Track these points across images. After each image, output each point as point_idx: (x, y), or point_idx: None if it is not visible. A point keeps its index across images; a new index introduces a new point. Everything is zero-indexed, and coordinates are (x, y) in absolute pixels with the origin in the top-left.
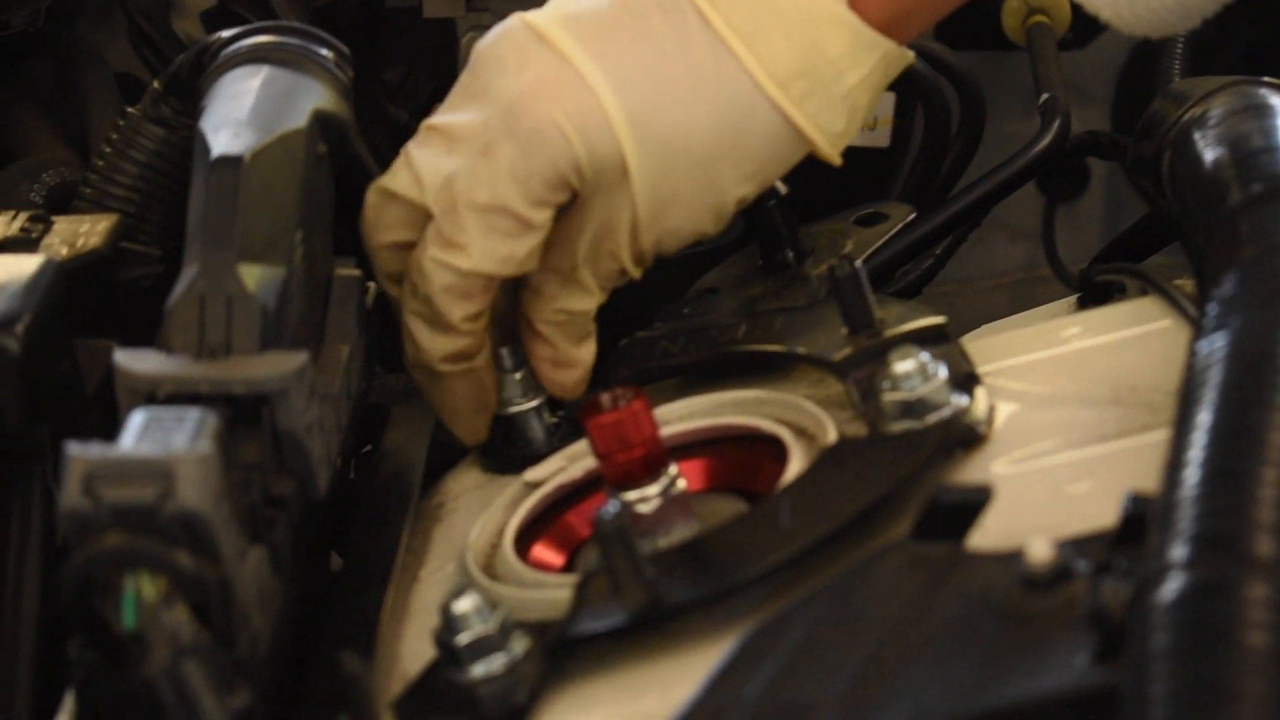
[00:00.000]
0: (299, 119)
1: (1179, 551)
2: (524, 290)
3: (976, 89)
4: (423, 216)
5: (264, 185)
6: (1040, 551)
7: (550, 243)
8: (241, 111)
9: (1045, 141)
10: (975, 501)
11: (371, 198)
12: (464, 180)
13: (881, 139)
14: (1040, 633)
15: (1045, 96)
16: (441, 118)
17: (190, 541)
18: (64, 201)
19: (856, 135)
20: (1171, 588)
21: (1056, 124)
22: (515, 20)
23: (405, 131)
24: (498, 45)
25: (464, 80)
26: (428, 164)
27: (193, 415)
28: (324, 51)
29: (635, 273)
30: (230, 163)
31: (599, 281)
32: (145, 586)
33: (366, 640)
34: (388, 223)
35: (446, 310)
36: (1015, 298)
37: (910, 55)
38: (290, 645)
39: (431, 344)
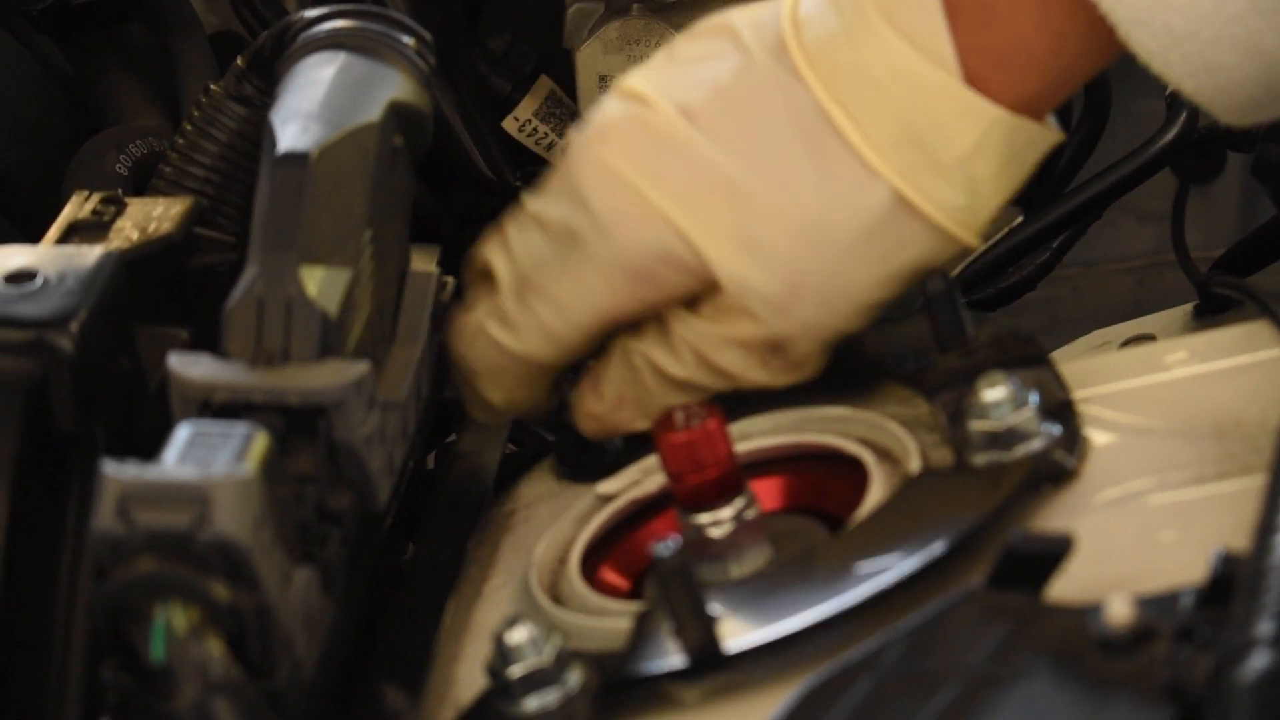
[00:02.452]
0: (373, 111)
1: (1265, 626)
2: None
3: (1101, 76)
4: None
5: (331, 183)
6: (1120, 611)
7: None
8: (312, 103)
9: (1170, 135)
10: (1054, 552)
11: (469, 271)
12: (549, 268)
13: None
14: (1116, 699)
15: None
16: (537, 203)
17: (227, 569)
18: (150, 173)
19: (991, 214)
20: (1255, 666)
21: (1184, 116)
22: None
23: (509, 103)
24: (593, 131)
25: (563, 165)
26: (520, 244)
27: (239, 432)
28: (405, 38)
29: (749, 374)
30: (296, 160)
31: (697, 367)
32: (176, 617)
33: (421, 663)
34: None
35: (485, 390)
36: (1142, 283)
37: (1055, 135)
38: (342, 665)
39: (468, 398)
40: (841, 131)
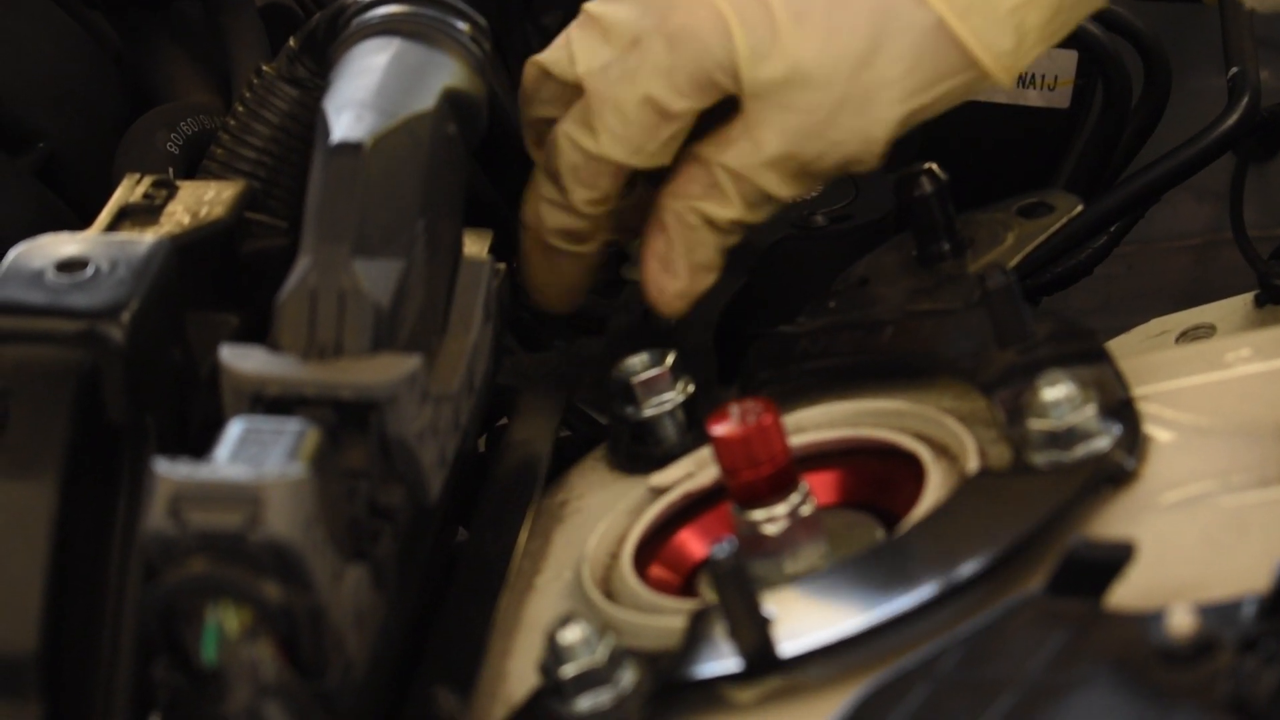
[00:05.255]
0: (427, 100)
1: None
2: (665, 180)
3: (1162, 57)
4: (573, 95)
5: (385, 173)
6: (1182, 621)
7: (703, 139)
8: (366, 91)
9: (1231, 121)
10: (1116, 559)
11: (529, 71)
12: (613, 69)
13: (1062, 99)
14: (1177, 711)
15: (1234, 71)
16: (599, 6)
17: (279, 570)
18: (201, 151)
19: (1028, 62)
20: None
21: (1244, 102)
22: None
23: None
24: None
25: None
26: (583, 47)
27: (291, 429)
28: (460, 24)
29: (779, 190)
30: (349, 150)
31: (740, 192)
32: (228, 619)
33: (472, 661)
34: (542, 98)
35: (570, 189)
36: (1200, 260)
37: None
38: (394, 662)
39: (550, 218)
40: None
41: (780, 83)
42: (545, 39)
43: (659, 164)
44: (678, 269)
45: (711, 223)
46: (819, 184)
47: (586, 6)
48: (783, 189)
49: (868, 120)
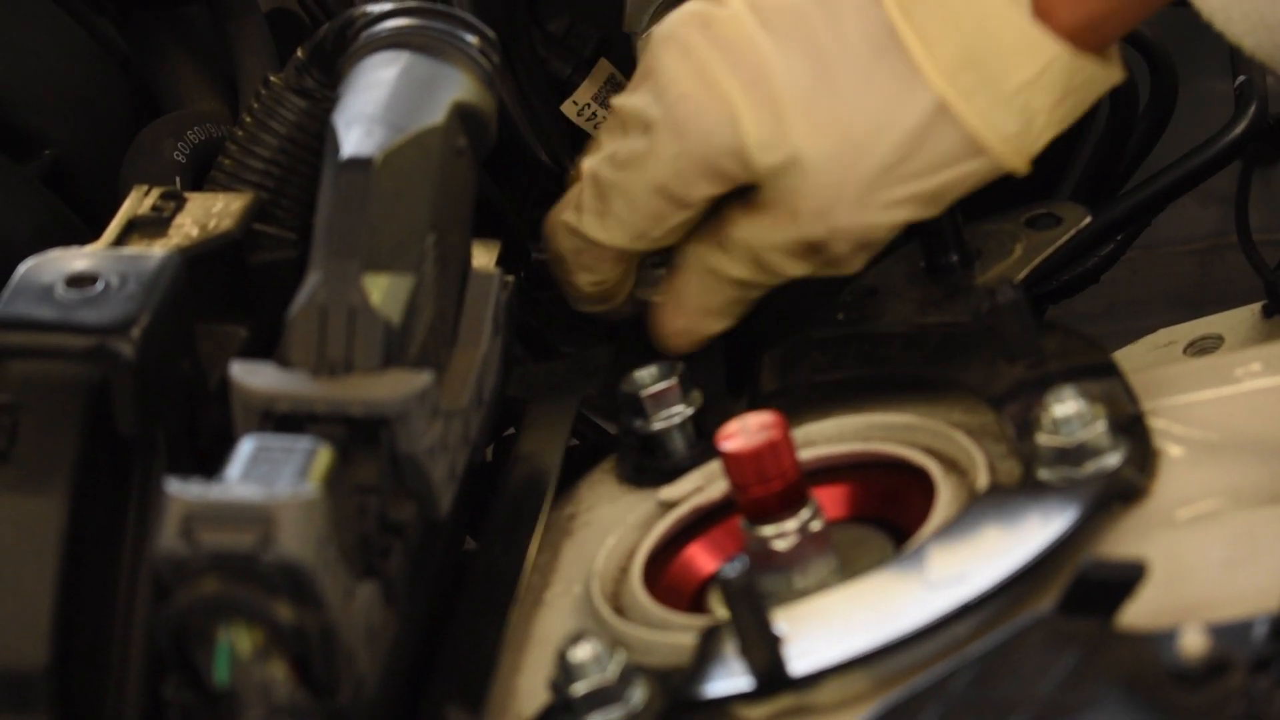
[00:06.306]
0: (436, 114)
1: None
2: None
3: (1168, 63)
4: None
5: (395, 188)
6: (1193, 641)
7: (733, 199)
8: (375, 106)
9: (1239, 129)
10: (1127, 579)
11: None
12: (620, 156)
13: None
14: None
15: (1241, 79)
16: (619, 98)
17: (291, 590)
18: (208, 160)
19: (1041, 145)
20: None
21: (1252, 110)
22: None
23: (568, 86)
24: (671, 26)
25: (642, 61)
26: (606, 138)
27: (302, 447)
28: (469, 37)
29: (790, 268)
30: (359, 165)
31: (750, 261)
32: (240, 639)
33: (483, 678)
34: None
35: (573, 272)
36: (1204, 265)
37: (1116, 76)
38: (405, 678)
39: (569, 289)
40: (909, 50)
41: (783, 170)
42: (550, 45)
43: (664, 245)
44: (685, 307)
45: (719, 275)
46: (839, 266)
47: (613, 100)
48: (794, 268)
49: (869, 208)
